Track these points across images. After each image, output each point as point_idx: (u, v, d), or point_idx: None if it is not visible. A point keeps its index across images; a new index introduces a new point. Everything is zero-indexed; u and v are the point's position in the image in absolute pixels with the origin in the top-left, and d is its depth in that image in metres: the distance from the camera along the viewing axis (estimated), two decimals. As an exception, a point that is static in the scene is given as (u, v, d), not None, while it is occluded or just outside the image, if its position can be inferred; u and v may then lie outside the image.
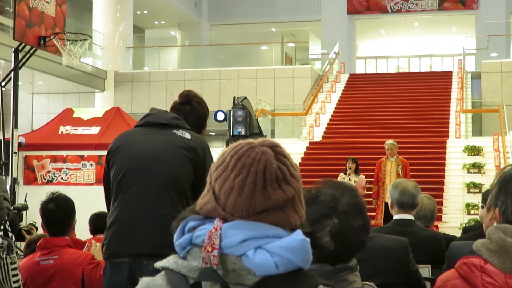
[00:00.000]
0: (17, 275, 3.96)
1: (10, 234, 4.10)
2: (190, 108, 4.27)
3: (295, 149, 19.28)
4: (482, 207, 5.15)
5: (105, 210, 4.18)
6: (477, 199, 14.50)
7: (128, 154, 3.92)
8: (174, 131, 3.96)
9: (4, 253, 3.87)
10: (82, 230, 6.12)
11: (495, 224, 2.28)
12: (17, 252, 4.36)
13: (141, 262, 3.72)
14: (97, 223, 6.05)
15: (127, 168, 3.88)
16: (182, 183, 3.84)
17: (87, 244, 4.82)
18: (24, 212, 9.25)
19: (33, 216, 9.40)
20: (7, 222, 4.05)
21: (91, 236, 6.09)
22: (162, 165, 3.86)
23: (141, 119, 4.12)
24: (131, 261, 3.75)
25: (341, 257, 2.37)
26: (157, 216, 3.73)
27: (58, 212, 4.56)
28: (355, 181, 12.67)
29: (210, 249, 1.60)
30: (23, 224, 9.32)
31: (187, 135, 3.95)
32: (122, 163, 3.91)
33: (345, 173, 13.61)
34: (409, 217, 4.71)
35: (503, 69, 22.55)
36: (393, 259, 3.52)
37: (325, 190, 2.46)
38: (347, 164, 13.78)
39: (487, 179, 15.72)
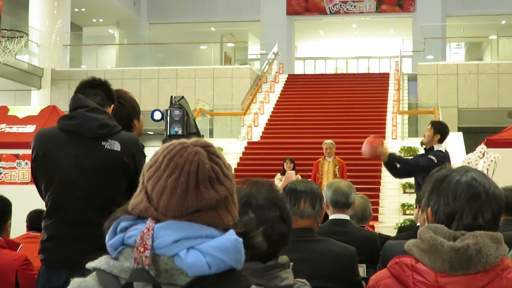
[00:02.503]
0: None
1: None
2: (114, 109, 4.01)
3: (233, 149, 19.29)
4: (417, 207, 5.24)
5: (43, 208, 4.03)
6: (412, 199, 14.66)
7: (53, 173, 3.69)
8: (102, 143, 3.69)
9: None
10: (18, 228, 6.01)
11: (426, 224, 2.31)
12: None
13: (82, 272, 3.60)
14: (36, 220, 5.93)
15: (54, 195, 3.69)
16: (115, 200, 3.57)
17: (21, 245, 4.72)
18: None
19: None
20: None
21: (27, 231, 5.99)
22: (91, 191, 3.66)
23: (64, 119, 3.79)
24: (70, 271, 3.64)
25: (265, 251, 2.34)
26: (91, 235, 3.60)
27: None
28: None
29: (142, 250, 1.60)
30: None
31: (117, 146, 3.69)
32: (48, 183, 3.71)
33: (282, 174, 13.66)
34: (345, 216, 4.74)
35: (439, 72, 22.90)
36: (337, 264, 3.52)
37: (242, 189, 2.45)
38: (284, 164, 13.83)
39: (422, 180, 15.90)
